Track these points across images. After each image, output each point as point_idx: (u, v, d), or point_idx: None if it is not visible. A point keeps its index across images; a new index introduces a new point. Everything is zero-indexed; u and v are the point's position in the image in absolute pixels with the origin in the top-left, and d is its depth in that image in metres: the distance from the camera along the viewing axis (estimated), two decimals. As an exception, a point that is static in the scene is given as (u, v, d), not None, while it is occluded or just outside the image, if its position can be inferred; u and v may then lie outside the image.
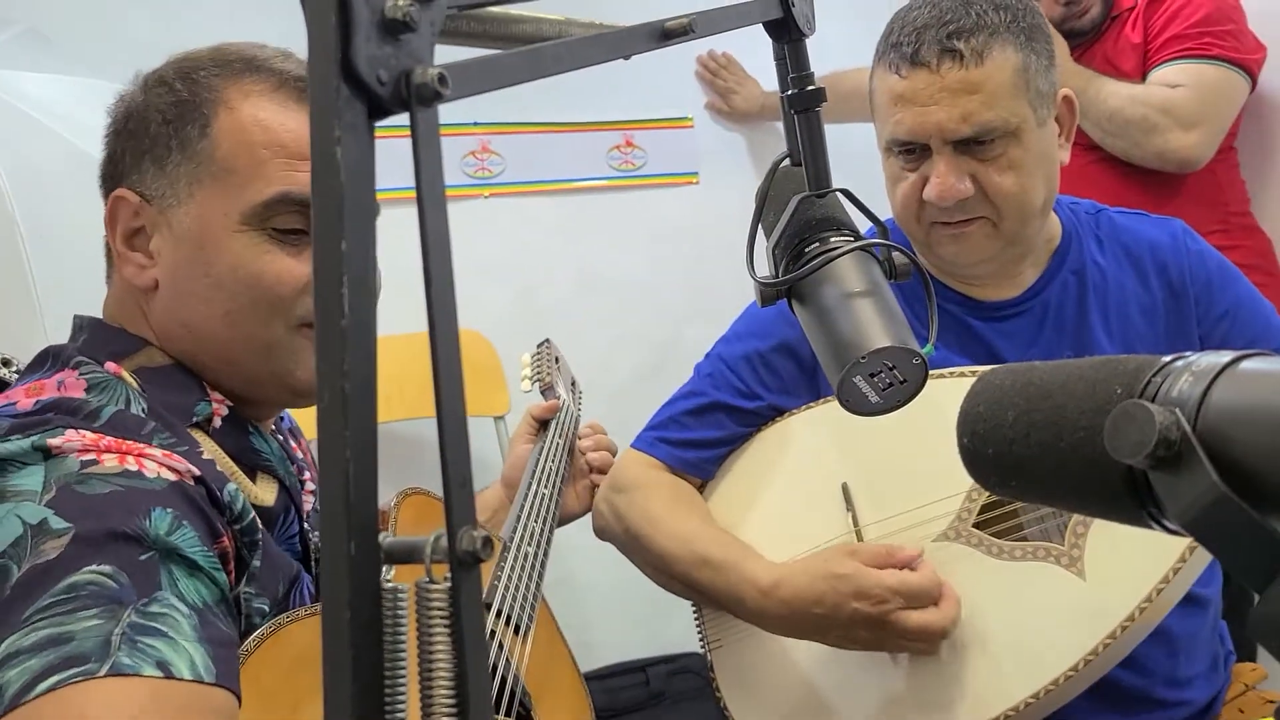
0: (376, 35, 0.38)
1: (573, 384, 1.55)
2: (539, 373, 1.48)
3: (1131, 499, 0.38)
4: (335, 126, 0.37)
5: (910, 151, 1.18)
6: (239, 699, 0.72)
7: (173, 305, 0.89)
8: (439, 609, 0.37)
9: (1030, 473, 0.44)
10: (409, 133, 0.39)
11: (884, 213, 1.01)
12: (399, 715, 0.36)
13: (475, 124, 2.20)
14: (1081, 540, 1.06)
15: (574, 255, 2.34)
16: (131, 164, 0.89)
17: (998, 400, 0.45)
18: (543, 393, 1.46)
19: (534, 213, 2.30)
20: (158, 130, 0.88)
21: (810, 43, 0.72)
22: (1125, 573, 1.03)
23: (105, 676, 0.64)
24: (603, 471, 1.36)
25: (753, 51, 2.42)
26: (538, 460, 1.28)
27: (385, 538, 0.37)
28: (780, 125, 2.63)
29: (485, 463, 2.06)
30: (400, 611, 0.37)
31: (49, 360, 0.87)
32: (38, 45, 1.63)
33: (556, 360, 1.52)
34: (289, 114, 0.88)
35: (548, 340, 1.57)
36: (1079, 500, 0.42)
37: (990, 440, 0.45)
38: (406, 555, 0.38)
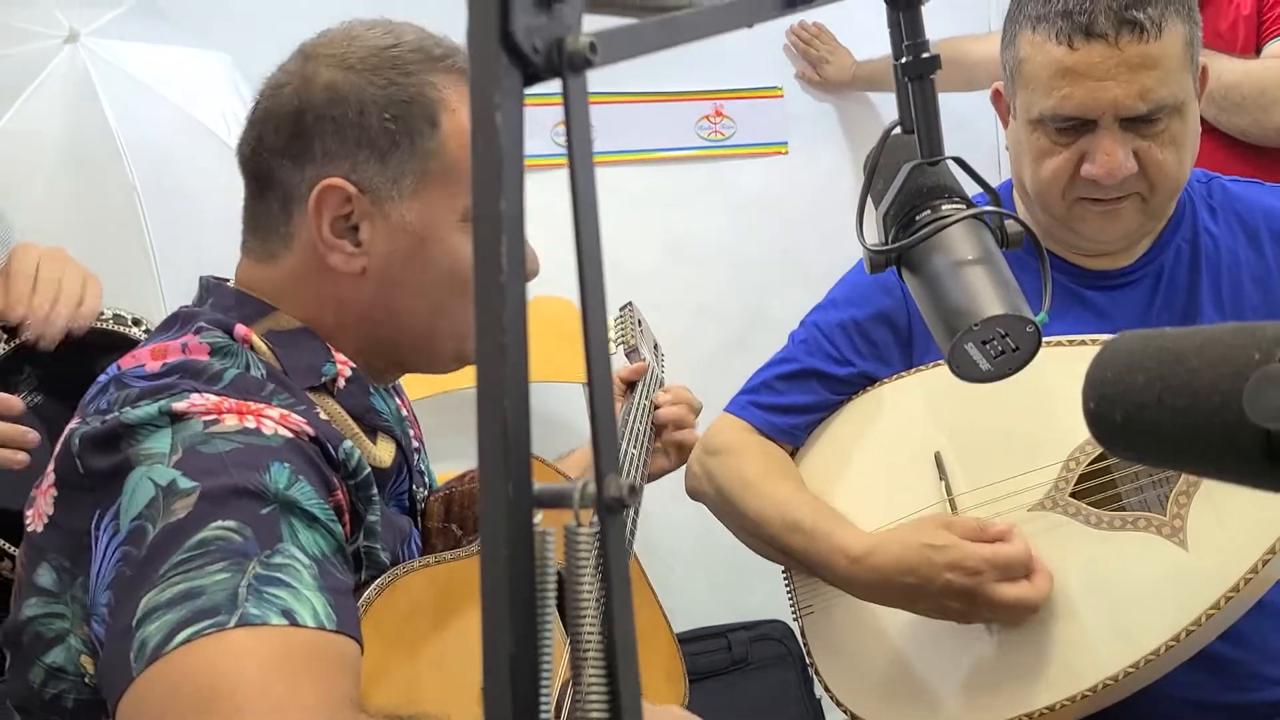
0: (532, 5, 0.39)
1: (655, 346, 1.57)
2: (623, 335, 1.50)
3: (1270, 464, 0.39)
4: (495, 93, 0.39)
5: (1070, 126, 1.13)
6: (360, 644, 0.75)
7: (381, 292, 0.90)
8: (586, 552, 0.39)
9: (1161, 438, 0.44)
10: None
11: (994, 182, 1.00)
12: (546, 649, 0.39)
13: (566, 94, 2.20)
14: (1184, 510, 1.05)
15: (662, 225, 2.35)
16: (339, 151, 0.88)
17: (1127, 364, 0.46)
18: (627, 355, 1.48)
19: (623, 182, 2.31)
20: (381, 124, 0.87)
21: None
22: (1230, 543, 1.01)
23: (235, 627, 0.67)
24: (679, 425, 1.37)
25: (845, 20, 2.39)
26: (626, 420, 1.30)
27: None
28: (872, 95, 2.62)
29: (575, 428, 2.09)
30: (548, 554, 0.39)
31: (177, 323, 0.91)
32: (152, 18, 1.68)
33: (639, 323, 1.54)
34: None
35: (630, 303, 1.58)
36: (1212, 465, 0.43)
37: (1119, 404, 0.45)
38: (555, 500, 0.40)
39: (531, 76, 0.40)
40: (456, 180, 0.89)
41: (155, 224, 1.46)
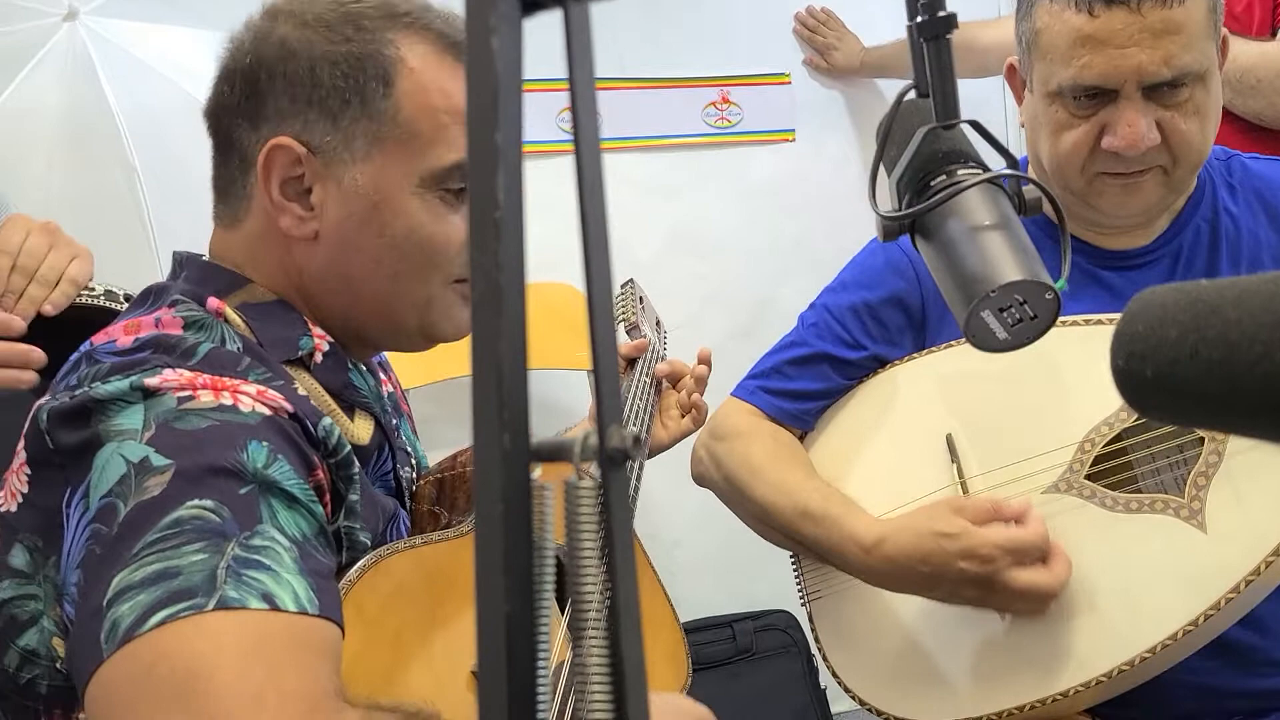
0: (533, -74, 0.37)
1: (657, 323, 1.55)
2: (624, 312, 1.48)
3: (1315, 414, 0.37)
4: (490, 16, 0.36)
5: (1091, 97, 1.10)
6: (341, 629, 0.73)
7: (337, 258, 0.87)
8: (588, 506, 0.37)
9: (1195, 394, 0.42)
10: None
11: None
12: (544, 610, 0.37)
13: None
14: (1203, 493, 1.02)
15: (668, 212, 2.33)
16: (290, 110, 0.84)
17: (1159, 318, 0.43)
18: (628, 332, 1.46)
19: (629, 169, 2.28)
20: (331, 81, 0.84)
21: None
22: (1250, 527, 0.99)
23: (213, 610, 0.65)
24: (700, 385, 1.35)
25: (853, 7, 2.37)
26: (626, 397, 1.28)
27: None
28: (880, 82, 2.60)
29: (574, 415, 2.07)
30: (546, 508, 0.37)
31: (150, 297, 0.88)
32: (154, -4, 1.66)
33: (641, 300, 1.52)
34: (460, 78, 0.86)
35: (631, 280, 1.56)
36: (1250, 422, 0.40)
37: (1150, 360, 0.43)
38: (555, 453, 0.38)
39: (531, 3, 0.38)
40: (413, 143, 0.85)
41: (154, 201, 1.44)
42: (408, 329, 0.91)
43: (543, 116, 2.19)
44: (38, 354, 1.10)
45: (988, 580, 1.05)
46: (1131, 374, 0.44)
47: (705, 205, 2.36)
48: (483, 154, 0.36)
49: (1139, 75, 1.06)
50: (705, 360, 1.38)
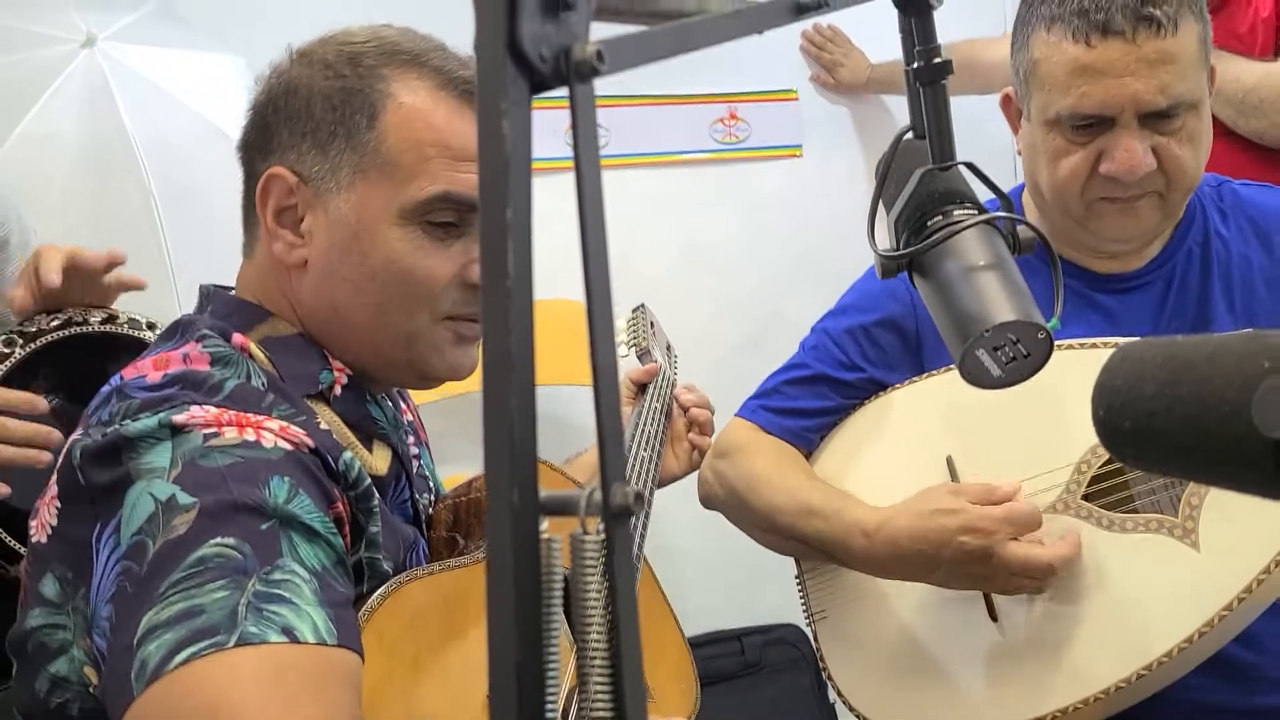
0: (540, 13, 0.39)
1: (668, 348, 1.57)
2: (634, 337, 1.49)
3: (1279, 474, 0.39)
4: (501, 100, 0.39)
5: (1088, 125, 1.13)
6: (362, 657, 0.75)
7: (322, 287, 0.90)
8: (592, 559, 0.39)
9: (1170, 446, 0.44)
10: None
11: (1008, 186, 0.99)
12: (553, 657, 0.39)
13: (580, 97, 2.21)
14: (1196, 512, 1.04)
15: (676, 228, 2.35)
16: (288, 142, 0.89)
17: (1137, 373, 0.45)
18: (639, 357, 1.47)
19: (637, 185, 2.31)
20: (323, 114, 0.88)
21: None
22: (1242, 545, 1.01)
23: (234, 647, 0.67)
24: (702, 428, 1.37)
25: (860, 24, 2.39)
26: (637, 423, 1.30)
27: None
28: (886, 98, 2.61)
29: (584, 431, 2.09)
30: (554, 561, 0.39)
31: (178, 332, 0.90)
32: (170, 22, 1.69)
33: (651, 325, 1.53)
34: (454, 114, 0.89)
35: (642, 305, 1.58)
36: (1220, 474, 0.42)
37: (1128, 413, 0.45)
38: (561, 507, 0.40)
39: (538, 84, 0.40)
40: (395, 174, 0.87)
41: (171, 227, 1.47)
42: (397, 363, 0.93)
43: (547, 133, 2.21)
44: (56, 435, 1.16)
45: (988, 554, 1.06)
46: (1111, 425, 0.47)
47: (713, 221, 2.38)
48: (495, 228, 0.38)
49: (1136, 104, 1.09)
50: (706, 405, 1.40)
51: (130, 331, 1.25)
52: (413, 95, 0.88)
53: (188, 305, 0.98)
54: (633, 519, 0.40)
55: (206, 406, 0.80)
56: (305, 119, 0.88)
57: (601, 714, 0.38)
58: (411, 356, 0.92)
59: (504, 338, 0.39)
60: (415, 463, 1.03)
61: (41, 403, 1.16)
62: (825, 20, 2.41)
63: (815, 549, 1.24)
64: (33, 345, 1.21)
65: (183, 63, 1.61)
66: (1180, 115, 1.11)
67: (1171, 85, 1.09)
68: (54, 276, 1.19)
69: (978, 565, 1.08)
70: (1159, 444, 0.44)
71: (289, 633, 0.69)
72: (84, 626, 0.77)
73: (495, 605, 0.38)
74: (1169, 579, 1.05)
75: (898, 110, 2.48)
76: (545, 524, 0.40)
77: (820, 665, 1.27)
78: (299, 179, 0.88)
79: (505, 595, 0.38)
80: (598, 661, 0.39)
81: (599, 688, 0.39)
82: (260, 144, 0.91)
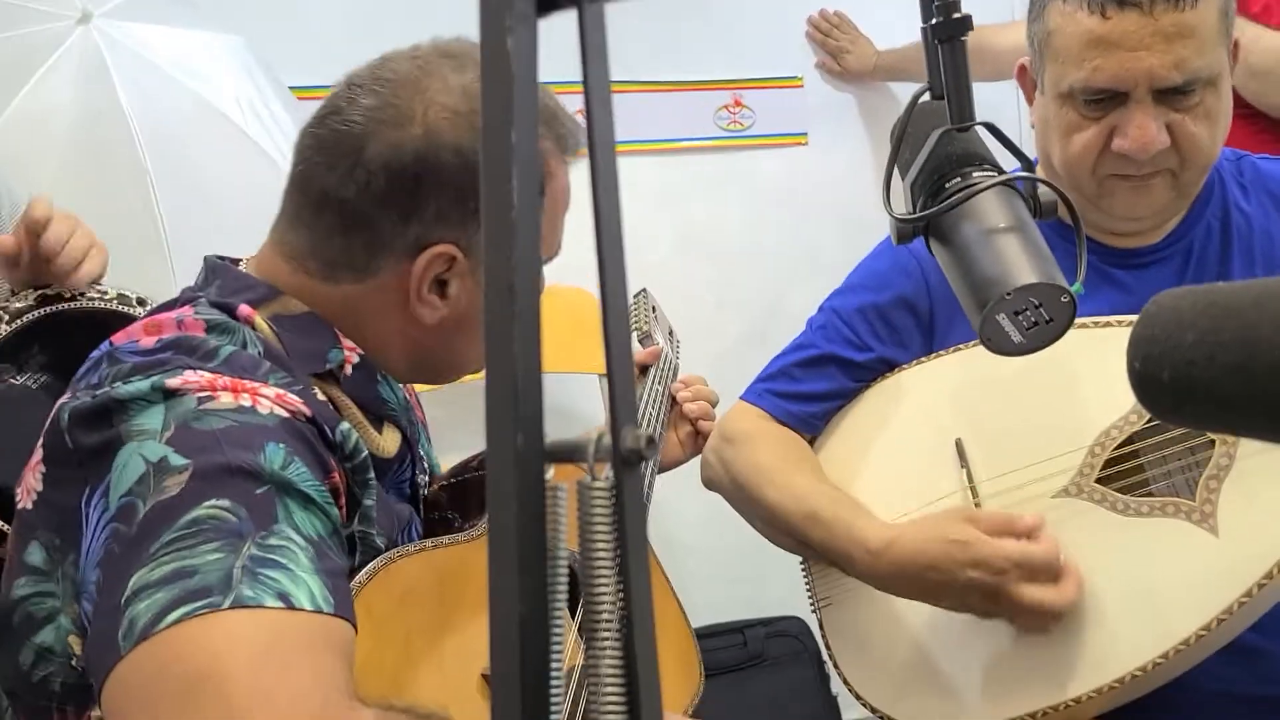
0: (548, -72, 0.37)
1: (670, 333, 1.55)
2: (636, 320, 1.48)
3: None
4: (507, 16, 0.36)
5: (1101, 100, 1.10)
6: (355, 628, 0.73)
7: (447, 337, 0.91)
8: (601, 507, 0.37)
9: (1212, 397, 0.41)
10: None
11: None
12: (558, 612, 0.36)
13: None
14: (1215, 495, 1.02)
15: (680, 216, 2.33)
16: (454, 217, 0.86)
17: (1175, 321, 0.43)
18: (640, 340, 1.46)
19: (641, 173, 2.28)
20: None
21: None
22: (1262, 529, 0.99)
23: (229, 609, 0.66)
24: (702, 419, 1.35)
25: (866, 12, 2.37)
26: (639, 407, 1.28)
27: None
28: (893, 86, 2.59)
29: (589, 419, 2.07)
30: (559, 510, 0.37)
31: (178, 303, 0.89)
32: (168, 1, 1.67)
33: (654, 309, 1.52)
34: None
35: (644, 290, 1.56)
36: (1268, 425, 0.40)
37: (1166, 363, 0.43)
38: (569, 454, 0.37)
39: (546, 2, 0.38)
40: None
41: (166, 206, 1.45)
42: (430, 380, 0.99)
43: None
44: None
45: (995, 592, 1.04)
46: (1147, 377, 0.44)
47: (717, 209, 2.36)
48: (497, 153, 0.36)
49: (1150, 79, 1.06)
50: (704, 396, 1.38)
51: (120, 307, 1.22)
52: (557, 163, 0.90)
53: (183, 281, 0.96)
54: (644, 464, 0.37)
55: (200, 371, 0.78)
56: (470, 194, 0.85)
57: (611, 670, 0.36)
58: (443, 379, 0.99)
59: (507, 274, 0.36)
60: (417, 443, 1.01)
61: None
62: (831, 7, 2.39)
63: (818, 555, 1.22)
64: (18, 321, 1.18)
65: (180, 40, 1.58)
66: (1197, 91, 1.08)
67: (1188, 60, 1.05)
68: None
69: (984, 601, 1.05)
70: (1201, 395, 0.42)
71: (285, 598, 0.68)
72: (72, 593, 0.75)
73: (498, 557, 0.35)
74: (1187, 565, 1.02)
75: (904, 98, 2.45)
76: (551, 472, 0.37)
77: (825, 653, 1.25)
78: (463, 255, 0.87)
79: (508, 544, 0.35)
80: (606, 618, 0.37)
81: (608, 643, 0.36)
82: (405, 207, 0.86)
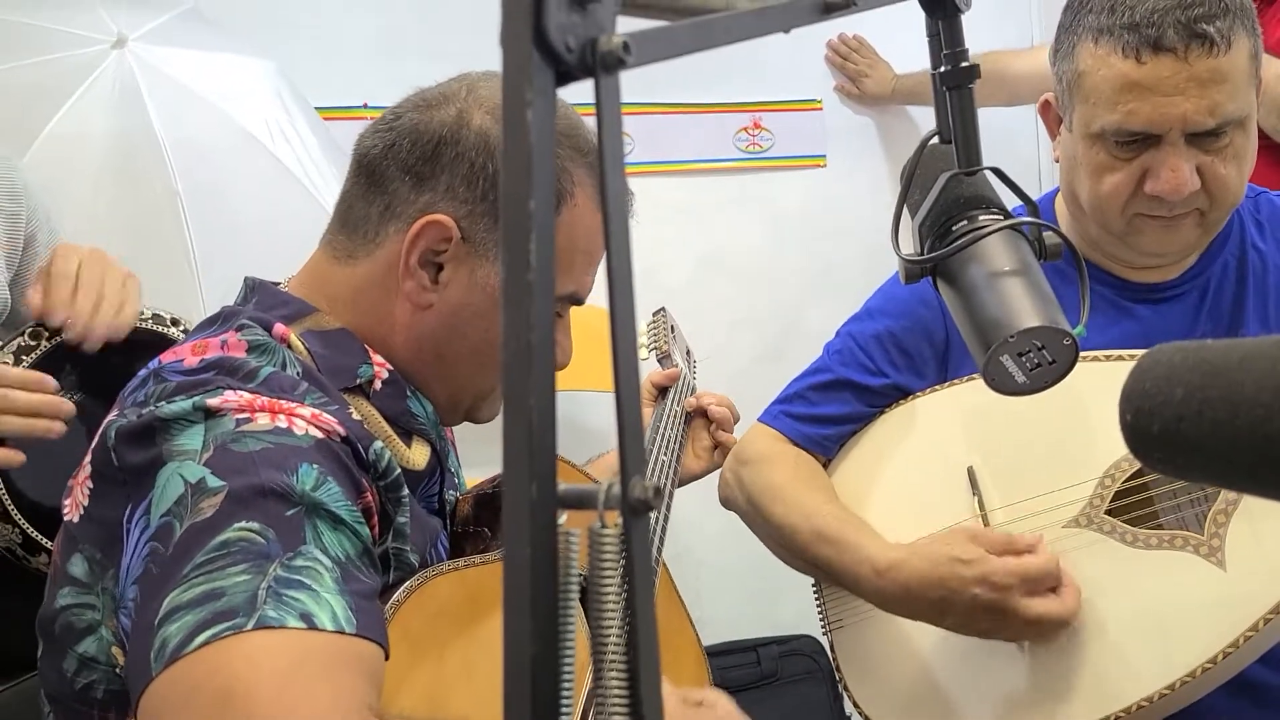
0: (566, 4, 0.39)
1: (688, 353, 1.57)
2: (655, 340, 1.50)
3: (1311, 477, 0.38)
4: (527, 90, 0.39)
5: (1133, 141, 1.10)
6: (384, 648, 0.74)
7: (438, 334, 0.92)
8: (610, 553, 0.39)
9: (1199, 451, 0.43)
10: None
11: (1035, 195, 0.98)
12: (569, 651, 0.38)
13: (605, 104, 2.21)
14: (1222, 530, 1.03)
15: (699, 236, 2.35)
16: (461, 193, 0.89)
17: (1166, 376, 0.45)
18: (660, 360, 1.47)
19: (660, 193, 2.31)
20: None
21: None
22: (1269, 564, 1.00)
23: (252, 630, 0.67)
24: (722, 426, 1.37)
25: (885, 34, 2.38)
26: (658, 426, 1.30)
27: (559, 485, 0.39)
28: (911, 109, 2.61)
29: (606, 437, 2.09)
30: (571, 555, 0.39)
31: (219, 320, 0.92)
32: (200, 24, 1.70)
33: (672, 329, 1.54)
34: (596, 228, 0.92)
35: (663, 309, 1.58)
36: (1252, 480, 0.42)
37: (1157, 417, 0.45)
38: (580, 501, 0.40)
39: (564, 75, 0.40)
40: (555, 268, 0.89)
41: (196, 227, 1.48)
42: (459, 408, 0.99)
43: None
44: (68, 406, 1.17)
45: (1000, 608, 1.06)
46: (1139, 429, 0.46)
47: (736, 230, 2.38)
48: (518, 220, 0.38)
49: (1184, 124, 1.06)
50: (727, 404, 1.41)
51: (154, 327, 1.25)
52: (586, 199, 0.91)
53: (212, 301, 0.99)
54: (652, 514, 0.39)
55: (240, 391, 0.80)
56: (489, 182, 0.88)
57: (618, 710, 0.38)
58: (473, 407, 0.99)
59: (524, 332, 0.38)
60: (446, 458, 1.03)
61: (51, 382, 1.17)
62: (851, 30, 2.41)
63: (827, 575, 1.23)
64: (56, 339, 1.22)
65: (212, 65, 1.62)
66: (1228, 133, 1.08)
67: (1222, 105, 1.05)
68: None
69: (990, 618, 1.07)
70: (1189, 449, 0.44)
71: (307, 619, 0.70)
72: (112, 606, 0.78)
73: (512, 598, 0.37)
74: (1193, 597, 1.03)
75: (923, 121, 2.48)
76: (563, 518, 0.39)
77: (836, 676, 1.26)
78: (461, 235, 0.89)
79: (522, 589, 0.37)
80: (614, 658, 0.39)
81: (615, 685, 0.38)
82: (419, 171, 0.90)
